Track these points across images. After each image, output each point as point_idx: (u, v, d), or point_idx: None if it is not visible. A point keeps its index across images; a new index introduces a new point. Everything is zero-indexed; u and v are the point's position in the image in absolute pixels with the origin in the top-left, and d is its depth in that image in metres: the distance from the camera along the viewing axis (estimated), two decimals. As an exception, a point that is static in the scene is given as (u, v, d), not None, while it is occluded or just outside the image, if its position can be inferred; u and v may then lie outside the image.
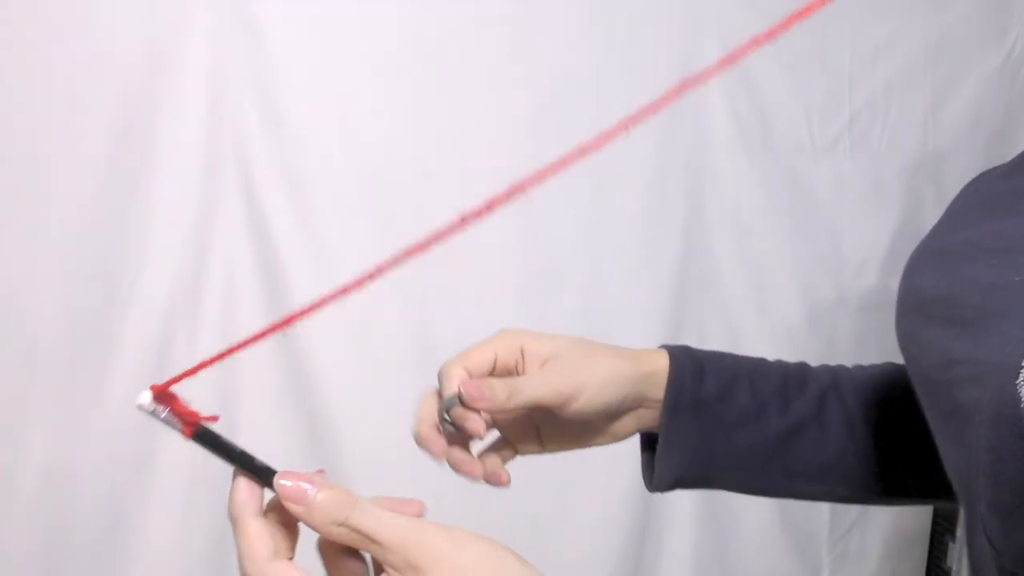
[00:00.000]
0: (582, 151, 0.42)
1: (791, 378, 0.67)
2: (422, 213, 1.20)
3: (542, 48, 1.32)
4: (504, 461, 0.64)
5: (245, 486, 0.46)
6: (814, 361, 0.73)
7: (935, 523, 1.54)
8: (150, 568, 1.26)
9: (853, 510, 1.56)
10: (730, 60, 0.38)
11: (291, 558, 0.46)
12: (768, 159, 1.44)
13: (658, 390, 0.63)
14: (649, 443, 0.68)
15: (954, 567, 1.47)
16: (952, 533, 1.48)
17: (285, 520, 0.47)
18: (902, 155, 1.49)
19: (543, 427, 0.64)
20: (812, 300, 1.47)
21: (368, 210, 1.28)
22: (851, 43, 1.45)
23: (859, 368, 0.71)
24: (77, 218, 1.19)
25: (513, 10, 1.31)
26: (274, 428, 1.27)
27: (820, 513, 1.54)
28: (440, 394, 0.59)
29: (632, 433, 0.65)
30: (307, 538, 0.48)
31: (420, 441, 0.59)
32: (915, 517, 1.58)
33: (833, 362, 0.73)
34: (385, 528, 0.43)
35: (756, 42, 0.38)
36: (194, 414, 0.47)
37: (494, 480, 0.62)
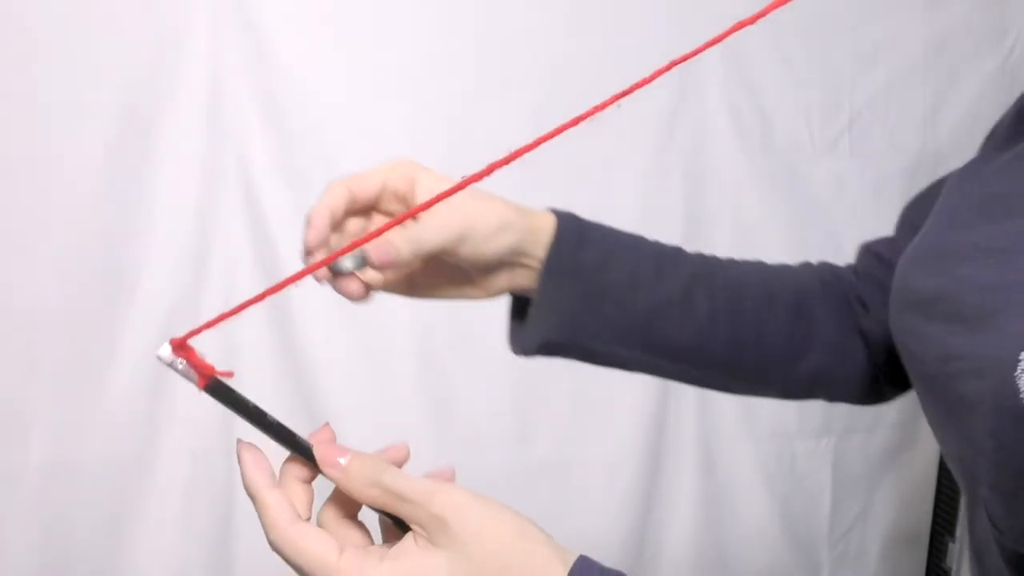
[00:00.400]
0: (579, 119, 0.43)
1: (666, 257, 0.68)
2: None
3: (541, 48, 1.32)
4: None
5: (250, 461, 0.48)
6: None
7: (935, 523, 1.54)
8: (150, 567, 1.26)
9: (853, 510, 1.56)
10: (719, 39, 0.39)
11: (308, 518, 0.48)
12: (768, 159, 1.44)
13: (540, 249, 0.62)
14: (518, 310, 0.67)
15: (954, 567, 1.47)
16: (952, 533, 1.48)
17: (301, 478, 0.49)
18: (902, 155, 1.49)
19: (418, 271, 0.61)
20: (812, 300, 1.47)
21: (368, 210, 1.28)
22: (851, 43, 1.45)
23: (732, 262, 0.72)
24: (77, 218, 1.19)
25: (513, 10, 1.31)
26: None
27: (820, 513, 1.54)
28: (328, 208, 0.55)
29: (503, 291, 0.65)
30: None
31: (311, 250, 0.55)
32: (915, 517, 1.58)
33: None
34: (414, 487, 0.46)
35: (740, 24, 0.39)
36: (210, 367, 0.48)
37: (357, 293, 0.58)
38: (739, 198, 1.43)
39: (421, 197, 0.57)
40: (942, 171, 0.66)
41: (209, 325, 0.48)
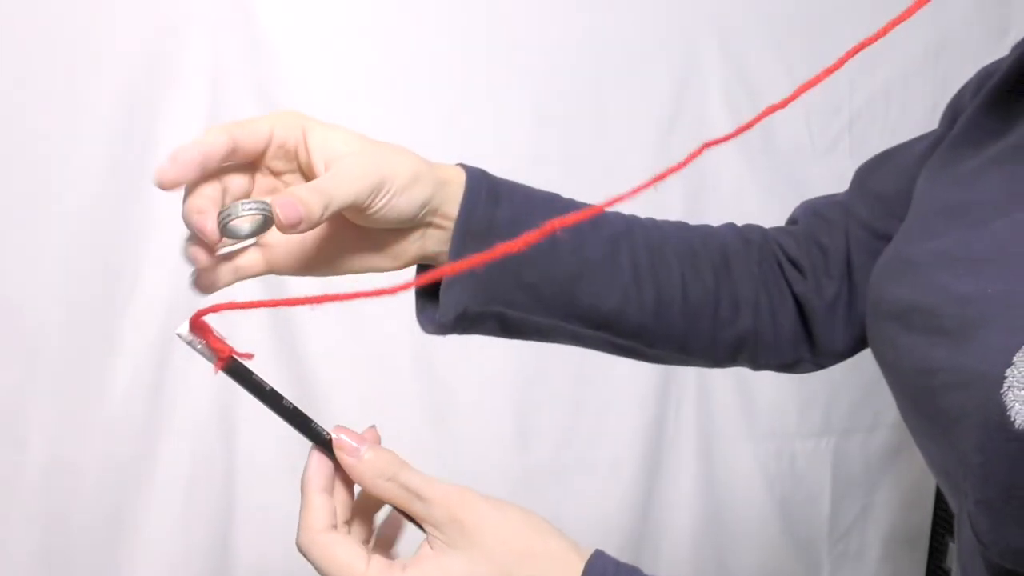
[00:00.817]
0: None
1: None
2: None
3: (541, 48, 1.32)
4: (247, 274, 0.58)
5: (315, 461, 0.50)
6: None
7: (935, 523, 1.54)
8: (150, 566, 1.26)
9: (853, 510, 1.56)
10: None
11: (347, 525, 0.50)
12: (768, 159, 1.44)
13: (450, 205, 0.57)
14: (424, 289, 0.61)
15: (954, 567, 1.47)
16: (952, 533, 1.48)
17: (346, 483, 0.50)
18: (902, 155, 1.49)
19: (317, 242, 0.55)
20: (812, 300, 1.47)
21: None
22: (851, 43, 1.45)
23: (652, 221, 0.69)
24: (77, 218, 1.19)
25: (513, 10, 1.31)
26: (273, 425, 1.27)
27: (820, 513, 1.54)
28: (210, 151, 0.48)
29: (413, 259, 0.58)
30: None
31: (164, 187, 0.51)
32: (915, 517, 1.58)
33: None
34: (431, 486, 0.48)
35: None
36: (228, 348, 0.48)
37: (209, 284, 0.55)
38: (739, 198, 1.43)
39: (314, 153, 0.51)
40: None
41: (230, 306, 0.48)
